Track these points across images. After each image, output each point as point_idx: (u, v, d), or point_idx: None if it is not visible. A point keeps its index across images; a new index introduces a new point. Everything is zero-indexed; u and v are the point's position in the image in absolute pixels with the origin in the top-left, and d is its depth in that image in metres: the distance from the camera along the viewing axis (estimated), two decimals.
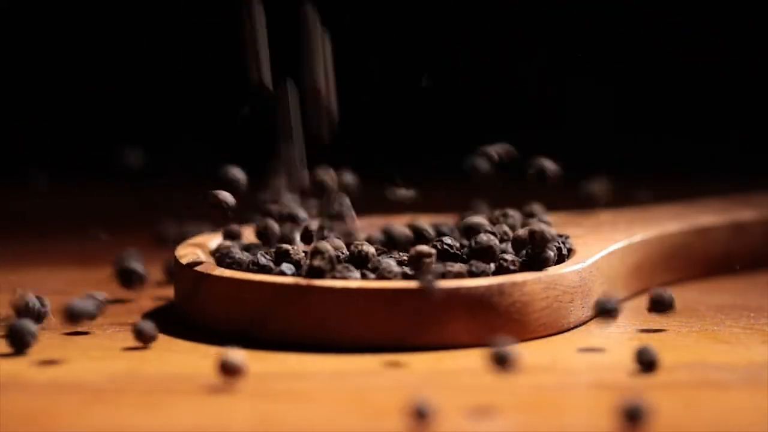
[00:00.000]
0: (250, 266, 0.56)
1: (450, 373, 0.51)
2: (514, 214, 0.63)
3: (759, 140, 0.99)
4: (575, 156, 1.01)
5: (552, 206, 0.69)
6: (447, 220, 0.65)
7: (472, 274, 0.55)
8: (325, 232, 0.60)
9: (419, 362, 0.52)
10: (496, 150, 0.62)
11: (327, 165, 0.63)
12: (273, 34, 0.62)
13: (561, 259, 0.59)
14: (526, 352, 0.54)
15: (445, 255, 0.57)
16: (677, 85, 0.98)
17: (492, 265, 0.56)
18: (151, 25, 0.97)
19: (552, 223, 0.62)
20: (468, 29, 0.96)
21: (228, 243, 0.61)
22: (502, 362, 0.50)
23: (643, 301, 0.64)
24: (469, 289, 0.54)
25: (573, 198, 0.71)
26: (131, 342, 0.56)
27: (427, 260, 0.54)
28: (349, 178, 0.64)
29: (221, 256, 0.58)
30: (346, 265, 0.55)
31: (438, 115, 0.97)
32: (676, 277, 0.68)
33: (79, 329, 0.57)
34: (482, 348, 0.54)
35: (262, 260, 0.56)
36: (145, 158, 0.76)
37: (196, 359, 0.53)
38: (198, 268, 0.57)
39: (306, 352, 0.53)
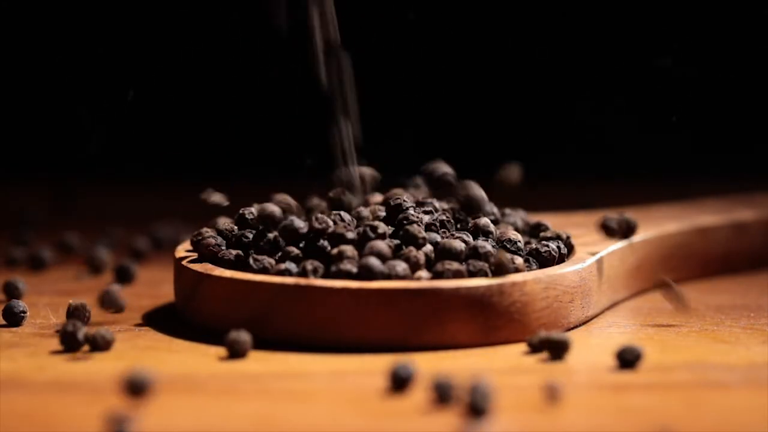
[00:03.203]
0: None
1: (450, 373, 0.51)
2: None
3: (759, 140, 0.99)
4: (576, 157, 1.01)
5: (552, 206, 0.69)
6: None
7: (471, 274, 0.55)
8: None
9: (419, 362, 0.52)
10: None
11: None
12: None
13: (561, 258, 0.59)
14: (526, 351, 0.54)
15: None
16: (677, 86, 0.98)
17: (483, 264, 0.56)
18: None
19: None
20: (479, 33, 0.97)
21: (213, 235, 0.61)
22: None
23: (643, 301, 0.64)
24: (469, 289, 0.54)
25: (573, 197, 0.71)
26: (131, 342, 0.56)
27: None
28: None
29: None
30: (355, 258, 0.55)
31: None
32: (676, 277, 0.68)
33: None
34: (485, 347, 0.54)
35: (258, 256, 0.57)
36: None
37: (196, 359, 0.53)
38: (198, 268, 0.57)
39: (306, 352, 0.54)
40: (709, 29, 0.96)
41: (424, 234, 0.56)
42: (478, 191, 0.60)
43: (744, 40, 0.97)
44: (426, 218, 0.58)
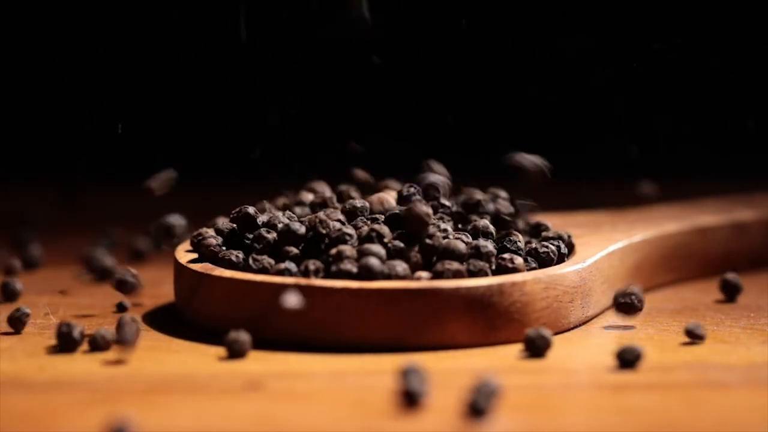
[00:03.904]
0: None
1: (450, 373, 0.51)
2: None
3: (759, 140, 0.99)
4: (576, 156, 1.01)
5: (553, 206, 0.69)
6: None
7: (471, 274, 0.55)
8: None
9: (419, 362, 0.52)
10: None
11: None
12: None
13: (561, 258, 0.59)
14: (526, 351, 0.54)
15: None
16: (678, 86, 0.98)
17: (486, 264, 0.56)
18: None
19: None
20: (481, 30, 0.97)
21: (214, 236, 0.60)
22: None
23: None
24: (469, 289, 0.54)
25: (573, 197, 0.71)
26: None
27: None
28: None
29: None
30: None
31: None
32: (676, 277, 0.68)
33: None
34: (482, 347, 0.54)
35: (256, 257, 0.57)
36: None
37: (196, 359, 0.53)
38: (198, 268, 0.57)
39: (306, 352, 0.54)
40: (709, 29, 0.96)
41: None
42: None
43: (744, 39, 0.97)
44: (448, 226, 0.58)
